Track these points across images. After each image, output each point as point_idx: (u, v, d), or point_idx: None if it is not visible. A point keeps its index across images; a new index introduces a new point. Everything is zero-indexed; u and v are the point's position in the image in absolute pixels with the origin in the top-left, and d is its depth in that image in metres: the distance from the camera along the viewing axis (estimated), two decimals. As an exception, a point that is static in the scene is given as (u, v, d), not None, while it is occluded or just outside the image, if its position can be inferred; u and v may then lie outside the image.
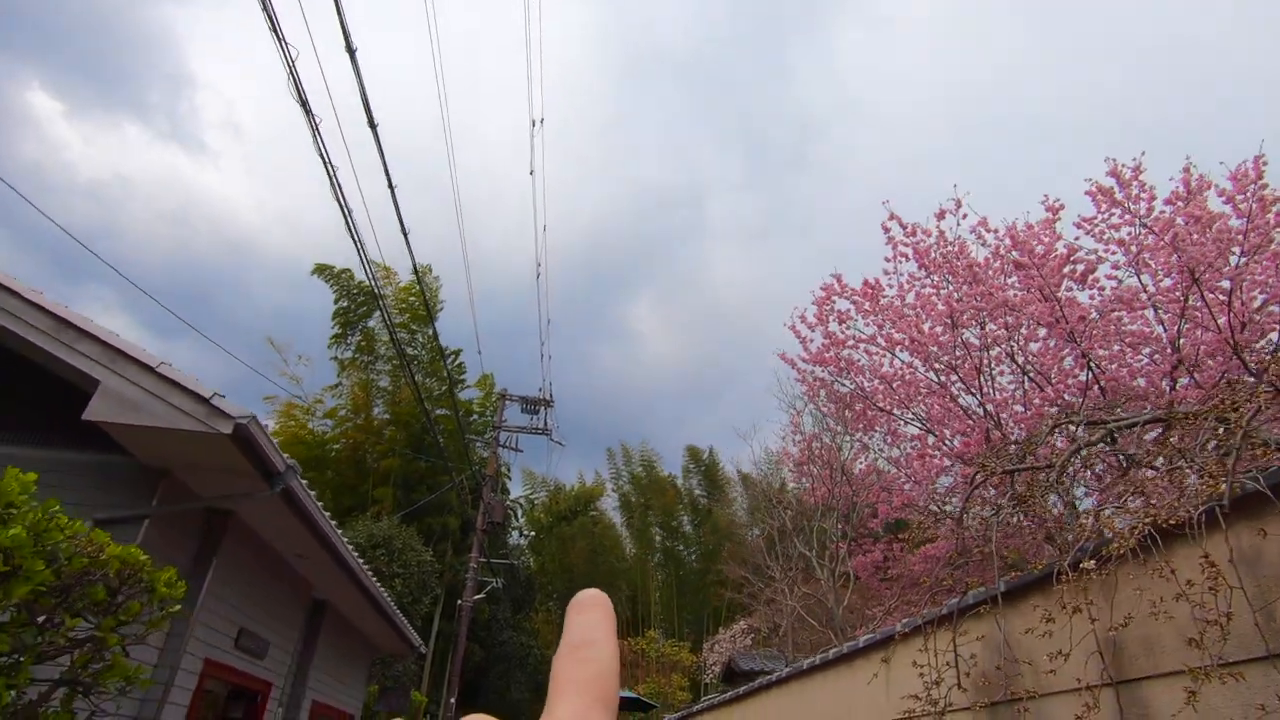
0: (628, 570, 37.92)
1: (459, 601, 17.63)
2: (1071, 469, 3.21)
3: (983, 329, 9.45)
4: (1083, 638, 2.55)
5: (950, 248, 9.68)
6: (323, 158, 7.16)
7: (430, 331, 21.54)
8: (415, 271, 11.56)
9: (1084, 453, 3.18)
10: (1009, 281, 9.13)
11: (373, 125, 6.08)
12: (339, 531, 6.71)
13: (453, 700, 16.35)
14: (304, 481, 5.45)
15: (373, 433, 22.02)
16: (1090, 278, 7.45)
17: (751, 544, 18.70)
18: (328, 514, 6.22)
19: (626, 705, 18.30)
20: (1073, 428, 3.40)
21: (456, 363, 24.14)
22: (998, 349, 9.76)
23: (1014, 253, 7.64)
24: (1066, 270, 7.47)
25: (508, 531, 26.43)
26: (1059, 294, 7.45)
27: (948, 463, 10.76)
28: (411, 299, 22.93)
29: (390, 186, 7.11)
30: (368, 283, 11.23)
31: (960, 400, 10.14)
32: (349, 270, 22.60)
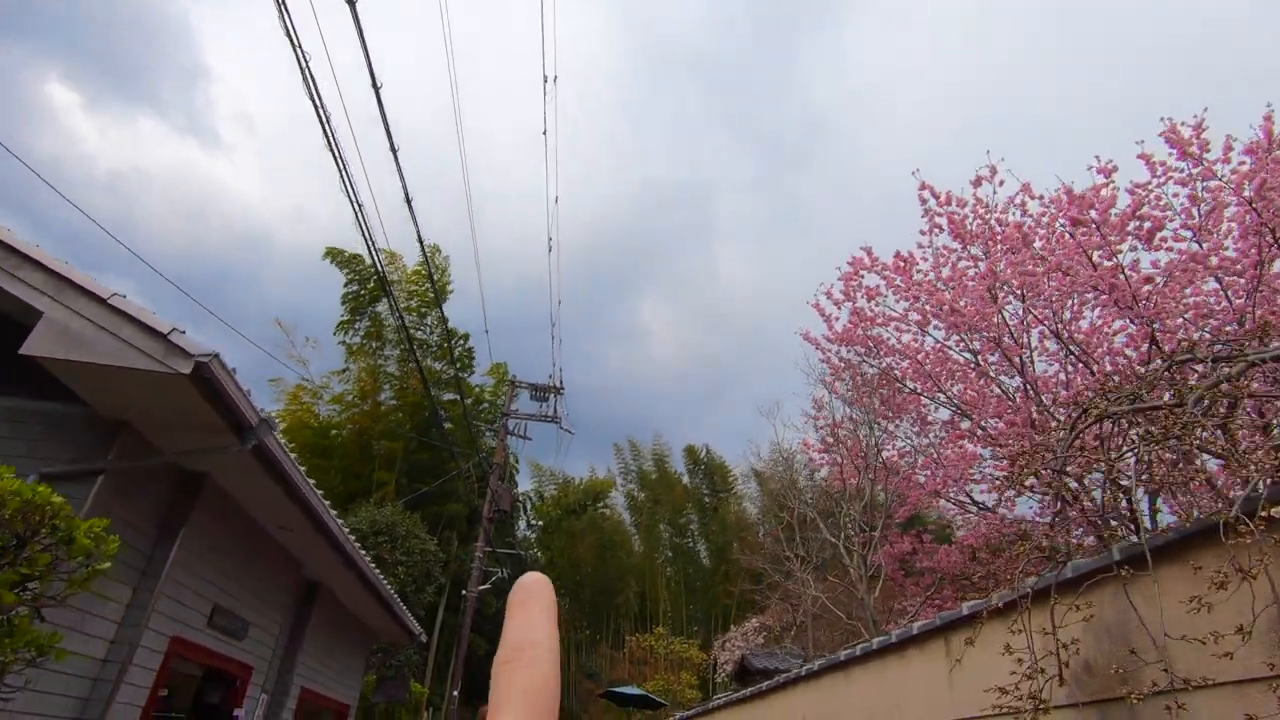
0: (636, 566, 37.36)
1: (464, 592, 17.08)
2: (1211, 404, 2.56)
3: (1024, 302, 8.75)
4: (1266, 608, 1.91)
5: (990, 215, 8.98)
6: (313, 98, 6.58)
7: (437, 314, 21.00)
8: (407, 198, 10.98)
9: (1224, 386, 2.53)
10: (1057, 251, 8.40)
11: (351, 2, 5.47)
12: (327, 504, 6.13)
13: (455, 693, 15.81)
14: (281, 439, 4.86)
15: (379, 419, 21.54)
16: (1158, 237, 6.72)
17: (769, 534, 17.96)
18: (312, 482, 5.64)
19: (635, 702, 17.70)
20: (1198, 365, 2.76)
21: (466, 347, 23.61)
22: (1040, 327, 9.05)
23: (1071, 209, 6.92)
24: (1131, 228, 6.75)
25: (515, 524, 25.88)
26: (1119, 256, 6.73)
27: (982, 452, 10.05)
28: (420, 281, 22.42)
29: (375, 86, 6.49)
30: (368, 236, 10.64)
31: (998, 382, 9.42)
32: (359, 255, 22.13)
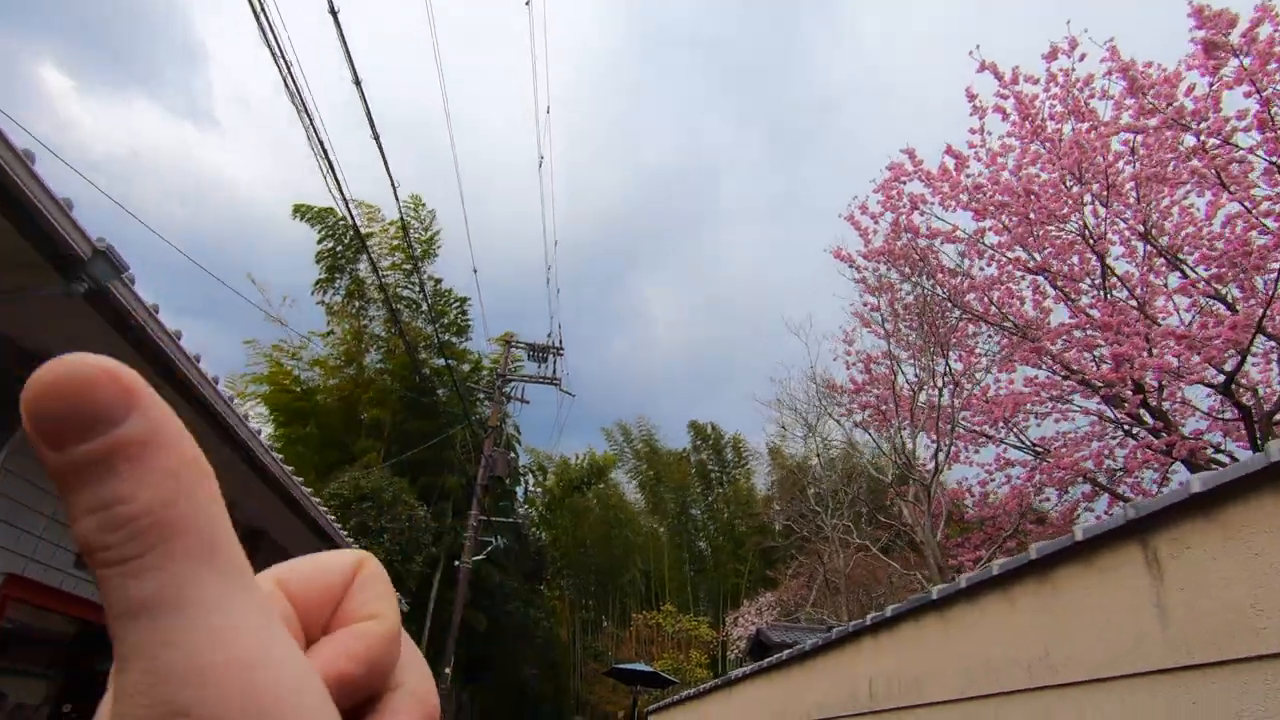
0: (642, 544, 36.31)
1: (456, 563, 15.79)
2: None
3: (1107, 191, 7.25)
4: None
5: (1070, 90, 7.48)
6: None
7: (419, 272, 19.58)
8: (371, 124, 9.52)
9: None
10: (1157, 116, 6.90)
11: None
12: (246, 418, 4.74)
13: (447, 670, 14.55)
14: (139, 297, 3.43)
15: (365, 385, 20.19)
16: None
17: (796, 486, 16.38)
18: (206, 369, 4.22)
19: (643, 680, 16.47)
20: None
21: (461, 310, 22.20)
22: (1122, 225, 7.56)
23: (1203, 30, 5.38)
24: (1282, 51, 5.22)
25: (514, 493, 24.56)
26: (1266, 91, 5.23)
27: (1037, 384, 8.59)
28: (402, 236, 20.98)
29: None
30: (320, 167, 9.20)
31: (1067, 297, 7.95)
32: (331, 209, 20.61)
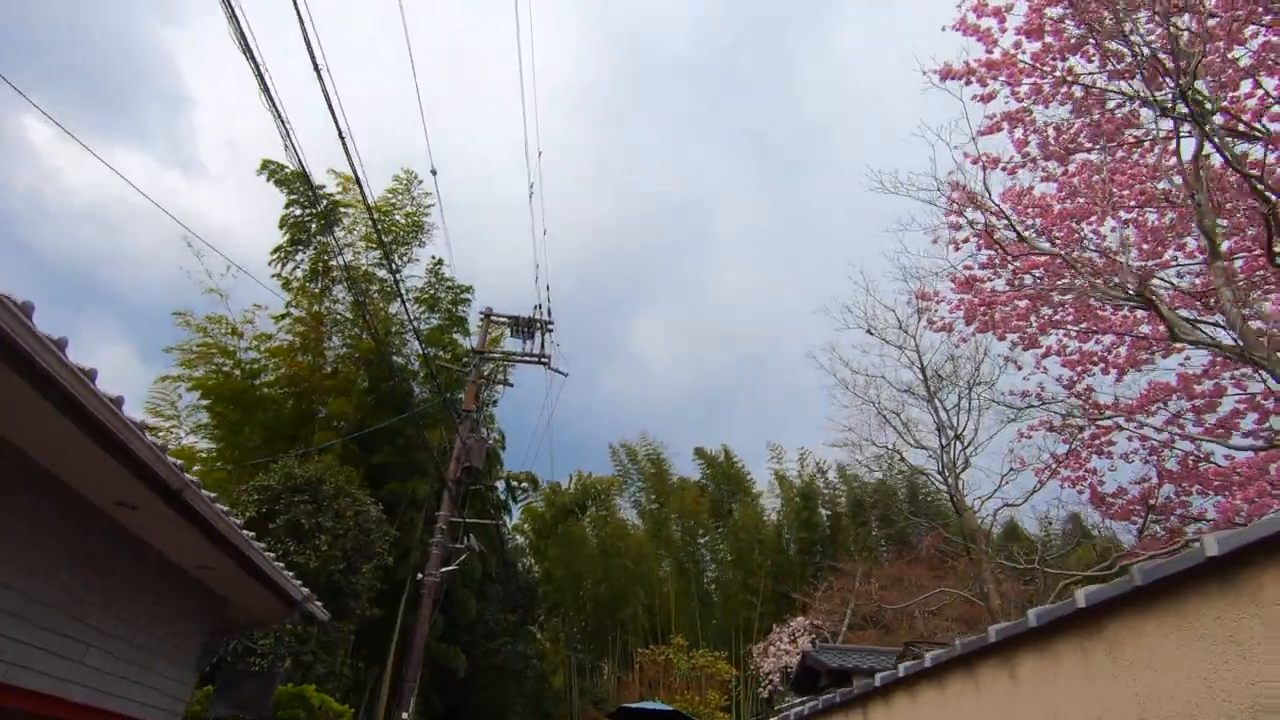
0: (644, 576, 32.63)
1: (419, 576, 12.48)
2: None
3: None
4: None
5: None
6: None
7: (385, 247, 16.77)
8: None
9: None
10: None
11: None
12: None
13: (405, 715, 11.12)
14: None
15: (325, 374, 17.17)
16: None
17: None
18: None
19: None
20: None
21: (458, 298, 19.32)
22: None
23: None
24: None
25: (495, 507, 21.17)
26: None
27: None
28: (393, 209, 18.22)
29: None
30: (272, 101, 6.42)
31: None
32: (304, 173, 17.82)
